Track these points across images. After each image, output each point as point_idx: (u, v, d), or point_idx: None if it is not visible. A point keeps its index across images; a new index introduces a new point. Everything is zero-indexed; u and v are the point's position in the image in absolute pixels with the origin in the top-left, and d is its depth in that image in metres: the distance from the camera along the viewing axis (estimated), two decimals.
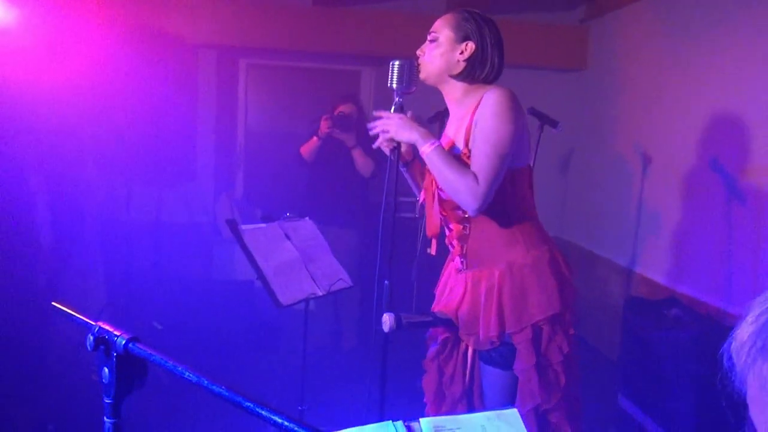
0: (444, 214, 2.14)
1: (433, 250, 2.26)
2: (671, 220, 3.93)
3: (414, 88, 2.06)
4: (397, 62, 2.03)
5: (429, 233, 2.22)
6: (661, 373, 3.23)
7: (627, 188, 4.43)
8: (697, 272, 3.66)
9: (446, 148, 2.08)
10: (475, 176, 1.93)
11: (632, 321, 3.57)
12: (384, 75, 2.10)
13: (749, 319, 0.73)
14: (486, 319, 2.05)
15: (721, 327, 3.25)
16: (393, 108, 2.08)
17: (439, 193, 2.09)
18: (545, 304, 2.04)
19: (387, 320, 1.97)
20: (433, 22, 2.15)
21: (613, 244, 4.65)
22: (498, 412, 1.45)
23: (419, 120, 2.12)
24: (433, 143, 1.98)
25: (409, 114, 2.09)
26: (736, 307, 3.29)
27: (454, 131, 2.14)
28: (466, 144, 2.03)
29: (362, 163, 3.97)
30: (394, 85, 2.04)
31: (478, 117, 2.00)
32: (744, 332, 0.73)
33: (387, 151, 2.11)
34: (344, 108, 3.94)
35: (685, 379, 3.06)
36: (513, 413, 1.44)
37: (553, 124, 3.31)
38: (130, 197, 4.53)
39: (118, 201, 4.55)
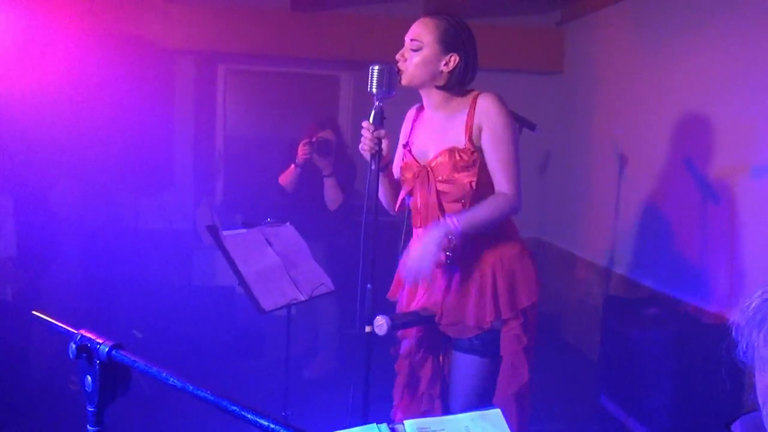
0: (441, 208, 2.17)
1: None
2: (648, 220, 3.99)
3: (394, 93, 2.07)
4: (377, 67, 2.03)
5: (424, 224, 2.20)
6: (642, 372, 3.26)
7: (605, 189, 4.48)
8: (673, 271, 3.71)
9: (442, 151, 2.14)
10: (501, 193, 2.09)
11: (612, 320, 3.61)
12: (363, 79, 2.11)
13: (758, 293, 0.77)
14: (480, 305, 2.13)
15: (699, 324, 3.30)
16: (373, 113, 2.09)
17: (437, 186, 2.15)
18: (530, 292, 2.16)
19: (383, 323, 2.01)
20: (410, 26, 2.16)
21: (591, 245, 4.70)
22: (481, 412, 1.46)
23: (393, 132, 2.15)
24: (455, 221, 2.05)
25: (383, 132, 2.09)
26: (712, 304, 3.34)
27: (441, 133, 2.18)
28: (469, 139, 2.11)
29: (332, 194, 3.81)
30: (374, 90, 2.04)
31: (481, 121, 2.10)
32: (752, 304, 0.76)
33: (368, 156, 2.12)
34: (324, 134, 3.80)
35: (666, 377, 3.10)
36: (496, 413, 1.46)
37: (531, 127, 3.33)
38: (108, 205, 4.49)
39: (96, 209, 4.49)
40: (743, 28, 3.20)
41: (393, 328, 2.02)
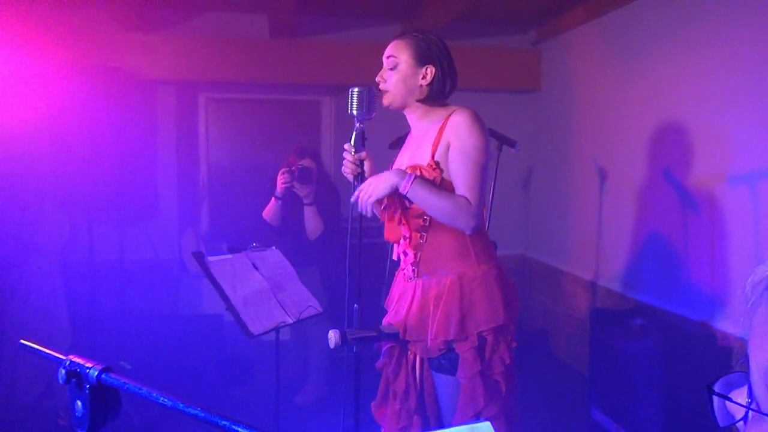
0: (404, 222, 2.20)
1: (395, 256, 2.32)
2: (630, 232, 4.04)
3: (374, 114, 2.11)
4: (356, 89, 2.08)
5: (391, 239, 2.28)
6: (631, 383, 3.28)
7: (586, 203, 4.54)
8: (657, 281, 3.76)
9: (407, 167, 2.17)
10: (465, 197, 2.05)
11: (599, 333, 3.63)
12: (344, 104, 2.14)
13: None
14: (433, 325, 2.12)
15: (685, 333, 3.33)
16: (354, 134, 2.12)
17: (403, 201, 2.15)
18: (491, 316, 2.11)
19: (332, 337, 1.99)
20: None
21: (576, 259, 4.74)
22: (471, 426, 1.47)
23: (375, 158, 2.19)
24: (409, 178, 2.06)
25: (364, 154, 2.13)
26: (695, 313, 3.38)
27: (414, 146, 2.22)
28: (432, 157, 2.11)
29: (313, 223, 3.76)
30: (354, 112, 2.09)
31: (450, 137, 2.10)
32: (764, 269, 0.77)
33: (350, 177, 2.15)
34: (304, 162, 3.78)
35: (655, 386, 3.12)
36: (486, 426, 1.46)
37: (512, 144, 3.38)
38: (93, 237, 4.47)
39: (80, 241, 4.47)
40: (714, 41, 3.28)
41: (347, 343, 2.00)
